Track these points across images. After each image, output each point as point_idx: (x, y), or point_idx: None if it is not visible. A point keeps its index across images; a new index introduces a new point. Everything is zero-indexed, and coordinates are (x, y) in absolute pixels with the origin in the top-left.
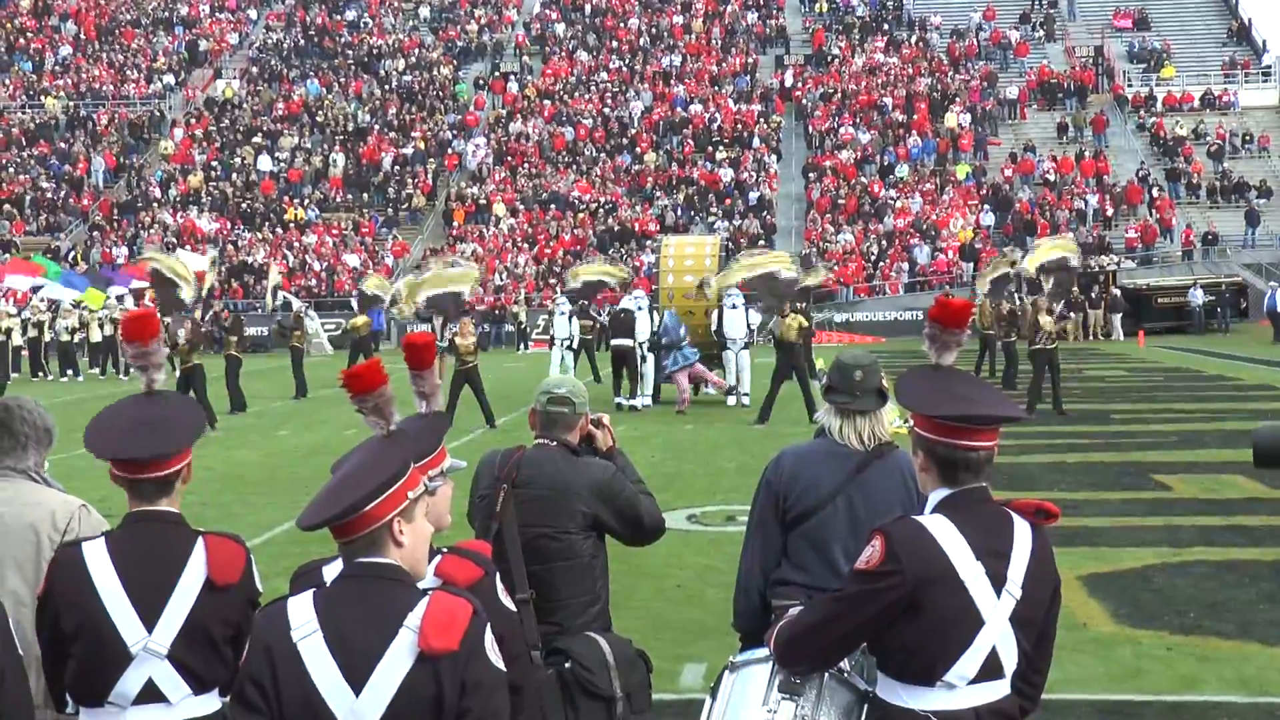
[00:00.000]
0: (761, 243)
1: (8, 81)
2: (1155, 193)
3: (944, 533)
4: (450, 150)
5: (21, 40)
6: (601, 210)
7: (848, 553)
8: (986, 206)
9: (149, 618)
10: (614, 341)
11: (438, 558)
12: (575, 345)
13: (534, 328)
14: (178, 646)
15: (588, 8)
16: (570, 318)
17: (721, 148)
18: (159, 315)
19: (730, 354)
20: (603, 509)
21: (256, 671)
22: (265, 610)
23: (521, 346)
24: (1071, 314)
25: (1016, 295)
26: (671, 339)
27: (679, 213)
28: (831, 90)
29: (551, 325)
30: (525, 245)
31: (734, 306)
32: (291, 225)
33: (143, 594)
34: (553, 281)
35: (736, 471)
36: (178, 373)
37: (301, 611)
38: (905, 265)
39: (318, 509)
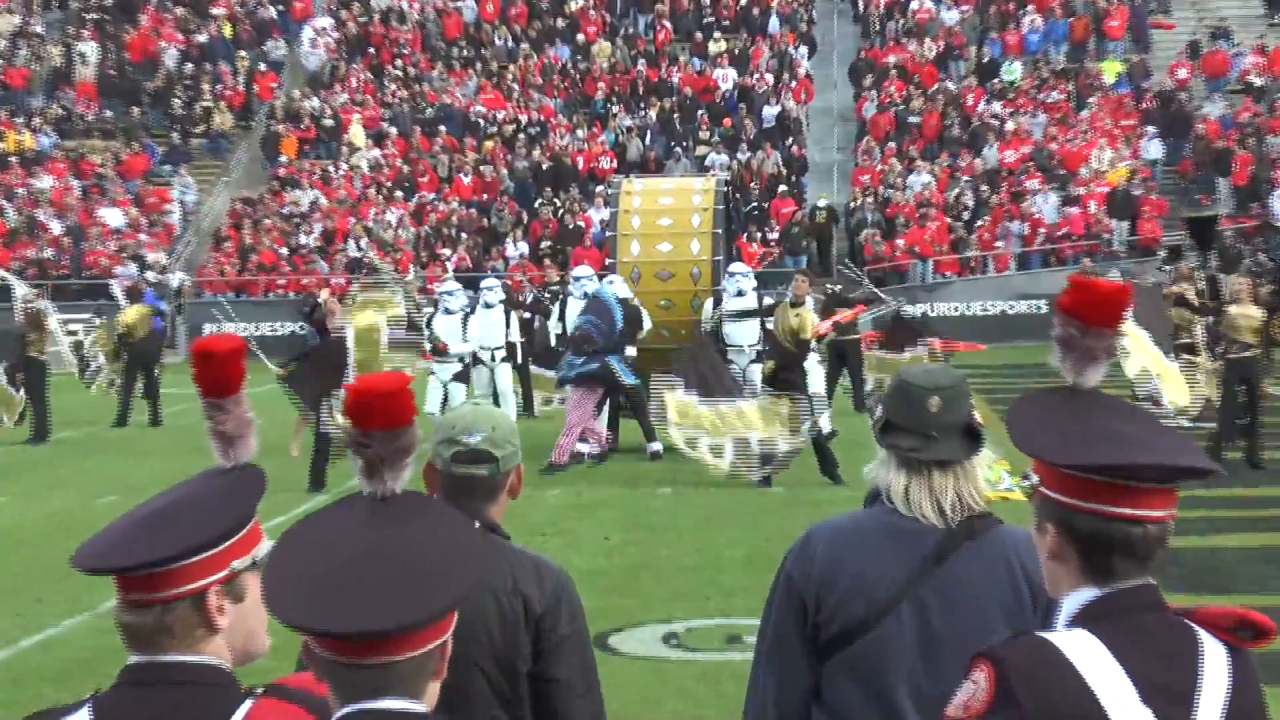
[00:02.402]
0: (783, 188)
1: None
2: None
3: (1089, 659)
4: (274, 43)
5: None
6: (523, 135)
7: (919, 695)
8: (1150, 129)
9: None
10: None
11: (248, 703)
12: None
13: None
14: None
15: None
16: (508, 312)
17: (718, 35)
18: None
19: (734, 370)
20: (554, 628)
21: None
22: None
23: None
24: None
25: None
26: (595, 334)
27: (649, 140)
28: None
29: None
30: (399, 194)
31: (740, 293)
32: (13, 160)
33: None
34: (444, 252)
35: (742, 564)
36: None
37: None
38: (1018, 226)
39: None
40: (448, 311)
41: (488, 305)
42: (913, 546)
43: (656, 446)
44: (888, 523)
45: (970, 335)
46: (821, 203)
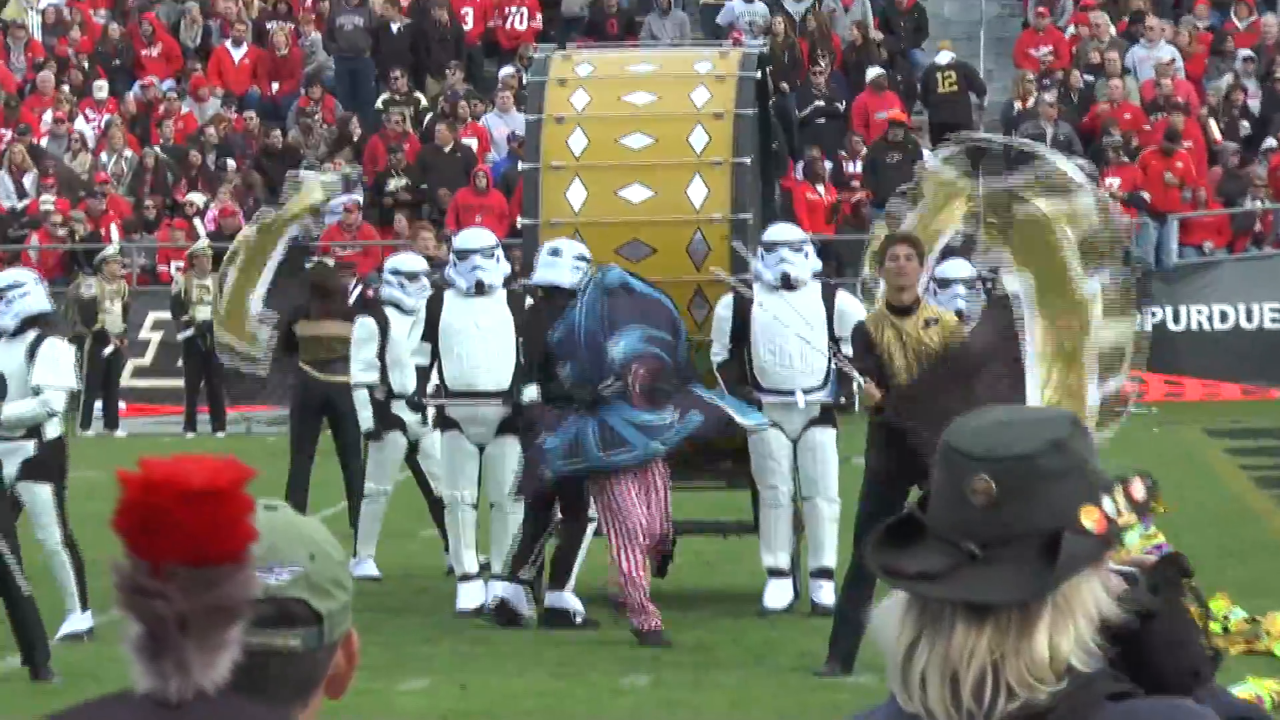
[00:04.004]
0: (875, 72)
1: None
2: None
3: None
4: None
5: None
6: None
7: None
8: None
9: None
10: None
11: None
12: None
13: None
14: None
15: None
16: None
17: None
18: None
19: (770, 442)
20: None
21: None
22: None
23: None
24: None
25: None
26: (667, 362)
27: None
28: None
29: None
30: (101, 85)
31: (788, 282)
32: None
33: None
34: (193, 199)
35: None
36: None
37: None
38: None
39: None
40: (401, 310)
41: (402, 310)
42: None
43: (578, 605)
44: None
45: (1252, 371)
46: (943, 58)
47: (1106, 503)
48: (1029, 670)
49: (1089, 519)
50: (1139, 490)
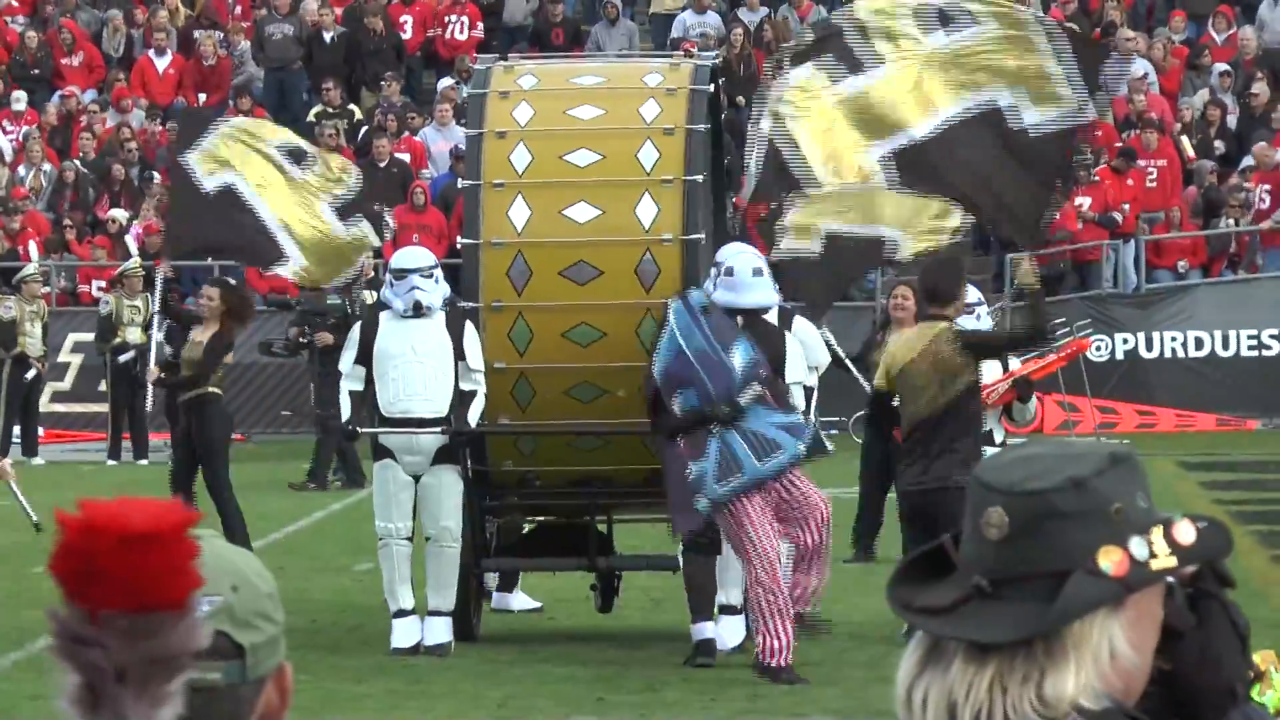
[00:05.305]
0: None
1: None
2: None
3: None
4: None
5: None
6: None
7: None
8: None
9: None
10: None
11: None
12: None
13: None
14: None
15: None
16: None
17: None
18: None
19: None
20: None
21: None
22: None
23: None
24: None
25: None
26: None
27: None
28: None
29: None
30: (18, 96)
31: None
32: None
33: None
34: (116, 215)
35: None
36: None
37: None
38: None
39: None
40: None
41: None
42: None
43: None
44: None
45: (1228, 400)
46: None
47: (1136, 544)
48: (1031, 708)
49: (1107, 560)
50: (1185, 533)
